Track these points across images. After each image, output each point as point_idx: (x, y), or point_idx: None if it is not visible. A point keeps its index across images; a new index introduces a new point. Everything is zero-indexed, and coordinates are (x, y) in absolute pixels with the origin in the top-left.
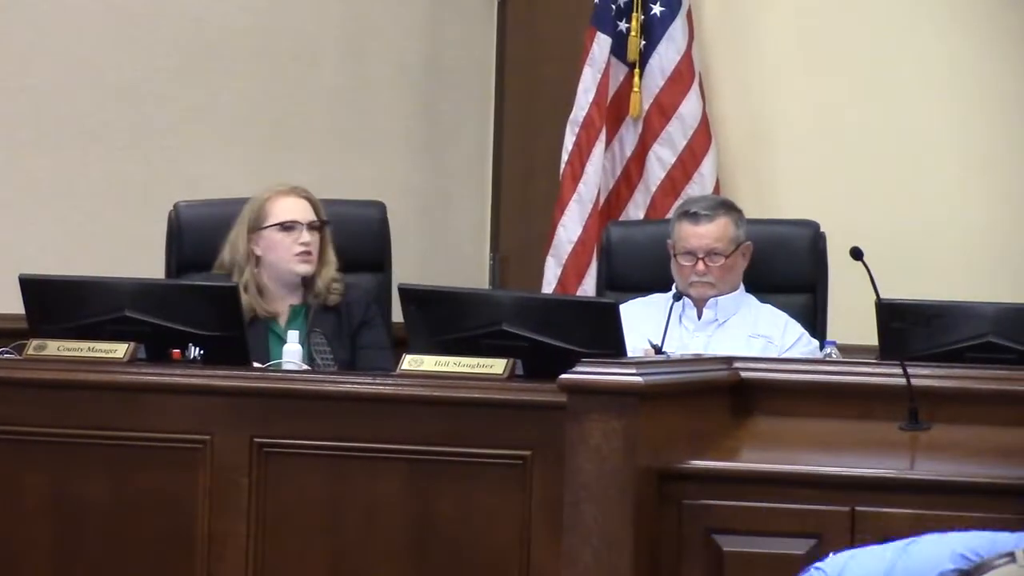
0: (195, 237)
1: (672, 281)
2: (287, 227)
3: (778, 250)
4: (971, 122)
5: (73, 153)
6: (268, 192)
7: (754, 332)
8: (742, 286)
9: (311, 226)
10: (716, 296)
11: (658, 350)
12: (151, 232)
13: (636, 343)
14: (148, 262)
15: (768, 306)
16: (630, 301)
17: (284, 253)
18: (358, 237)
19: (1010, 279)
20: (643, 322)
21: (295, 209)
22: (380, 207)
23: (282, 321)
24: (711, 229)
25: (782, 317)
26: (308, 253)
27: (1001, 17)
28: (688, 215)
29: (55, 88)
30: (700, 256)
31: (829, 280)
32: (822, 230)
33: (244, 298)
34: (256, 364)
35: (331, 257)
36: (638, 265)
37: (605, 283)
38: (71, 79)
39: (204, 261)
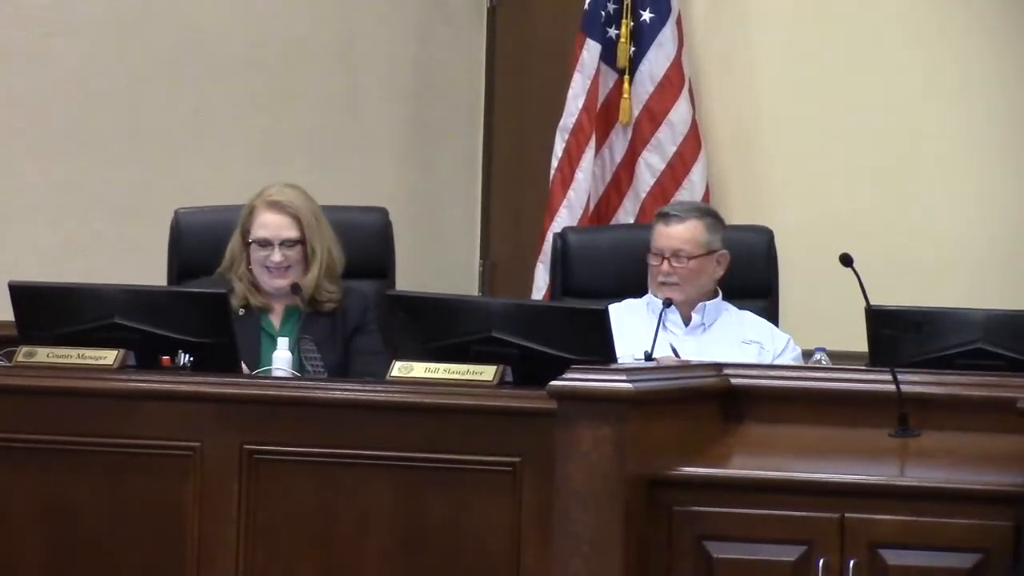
0: (195, 243)
1: (640, 287)
2: (261, 244)
3: (734, 256)
4: (964, 127)
5: (64, 159)
6: (258, 199)
7: (745, 338)
8: (720, 293)
9: (285, 243)
10: (682, 299)
11: (648, 357)
12: (142, 238)
13: (619, 348)
14: (139, 268)
15: (748, 312)
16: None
17: (257, 267)
18: (360, 243)
19: (1000, 286)
20: (625, 327)
21: (271, 226)
22: (382, 213)
23: (275, 320)
24: (679, 230)
25: (765, 323)
26: (280, 270)
27: (996, 20)
28: (660, 216)
29: (47, 94)
30: (666, 256)
31: (820, 286)
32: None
33: (239, 287)
34: (245, 369)
35: (316, 265)
36: (598, 272)
37: (560, 290)
38: (62, 85)
39: (204, 266)
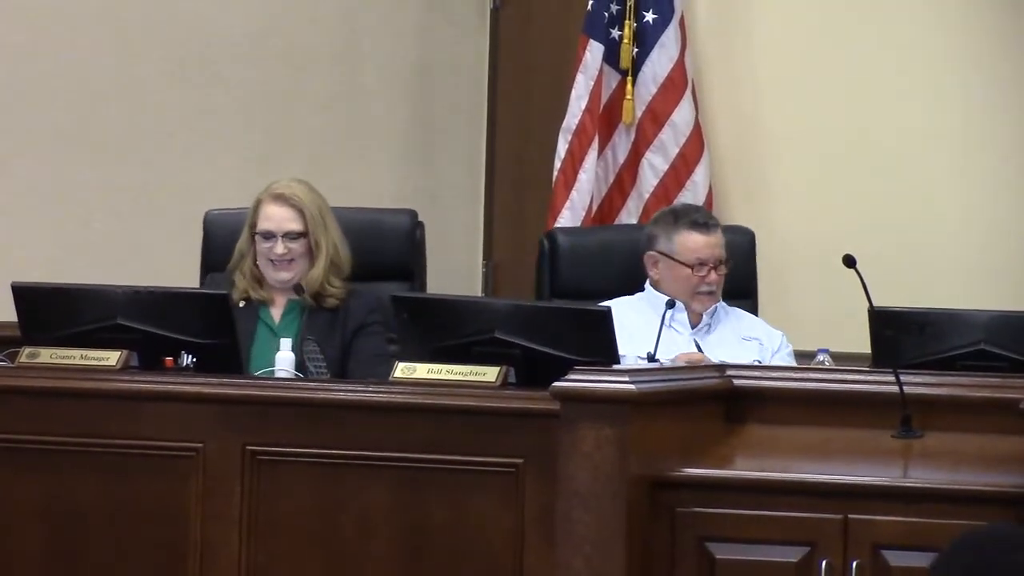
0: (224, 244)
1: (628, 287)
2: (265, 236)
3: None
4: (964, 128)
5: (67, 160)
6: (264, 193)
7: (744, 335)
8: None
9: (289, 235)
10: (715, 304)
11: (651, 358)
12: (143, 238)
13: (624, 347)
14: (142, 269)
15: (740, 310)
16: (609, 303)
17: (262, 260)
18: (388, 245)
19: (1003, 287)
20: (629, 325)
21: (274, 218)
22: (411, 215)
23: (276, 313)
24: (718, 238)
25: (759, 320)
26: (283, 263)
27: (995, 21)
28: (697, 224)
29: (49, 94)
30: (712, 265)
31: (822, 287)
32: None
33: (241, 281)
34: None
35: (322, 260)
36: (586, 272)
37: (549, 291)
38: (64, 85)
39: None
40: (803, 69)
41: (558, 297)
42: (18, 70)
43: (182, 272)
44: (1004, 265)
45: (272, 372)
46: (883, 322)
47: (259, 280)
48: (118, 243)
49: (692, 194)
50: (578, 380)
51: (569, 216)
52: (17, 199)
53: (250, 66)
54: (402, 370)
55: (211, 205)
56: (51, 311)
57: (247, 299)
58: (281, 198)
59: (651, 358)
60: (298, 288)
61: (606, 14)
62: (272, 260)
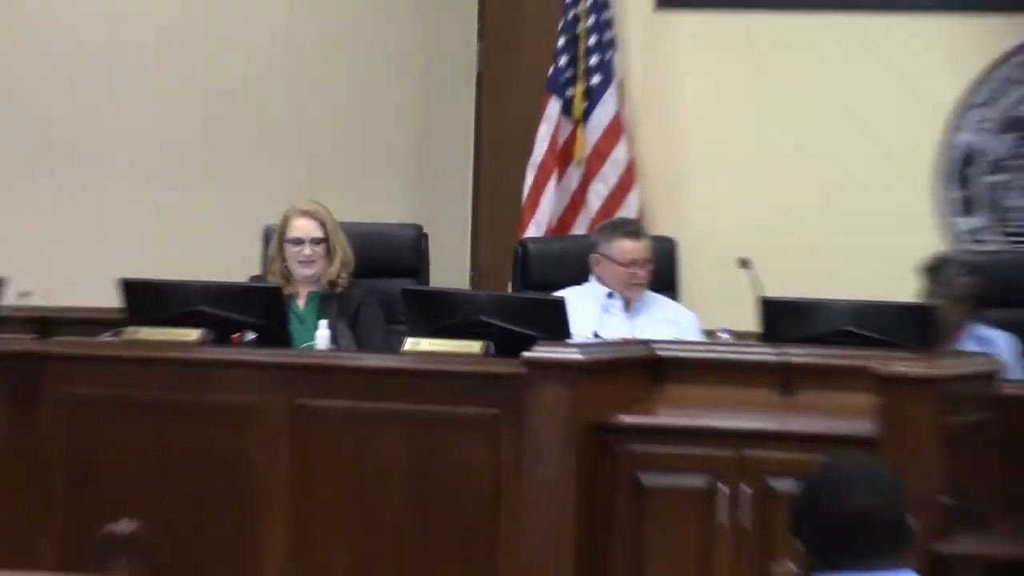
0: None
1: (582, 279)
2: (295, 242)
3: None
4: (856, 165)
5: (159, 187)
6: (291, 210)
7: (667, 318)
8: None
9: (313, 240)
10: (643, 293)
11: (596, 335)
12: (219, 244)
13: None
14: (217, 267)
15: (665, 298)
16: (561, 292)
17: (291, 261)
18: (398, 250)
19: (865, 280)
20: (577, 309)
21: (303, 228)
22: (418, 229)
23: (300, 302)
24: (646, 244)
25: (678, 305)
26: (308, 262)
27: (899, 66)
28: (629, 234)
29: (150, 138)
30: (640, 265)
31: (724, 281)
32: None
33: (273, 279)
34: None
35: (338, 258)
36: (549, 270)
37: (521, 284)
38: (162, 130)
39: None
40: (712, 119)
41: (529, 289)
42: (131, 120)
43: (249, 270)
44: (869, 264)
45: (312, 345)
46: (771, 308)
47: (286, 278)
48: (200, 248)
49: (627, 212)
50: (541, 351)
51: (534, 230)
52: (130, 214)
53: (295, 129)
54: (410, 344)
55: (268, 219)
56: (149, 299)
57: None
58: (307, 213)
59: (596, 335)
60: (331, 285)
61: (563, 77)
62: (300, 261)
